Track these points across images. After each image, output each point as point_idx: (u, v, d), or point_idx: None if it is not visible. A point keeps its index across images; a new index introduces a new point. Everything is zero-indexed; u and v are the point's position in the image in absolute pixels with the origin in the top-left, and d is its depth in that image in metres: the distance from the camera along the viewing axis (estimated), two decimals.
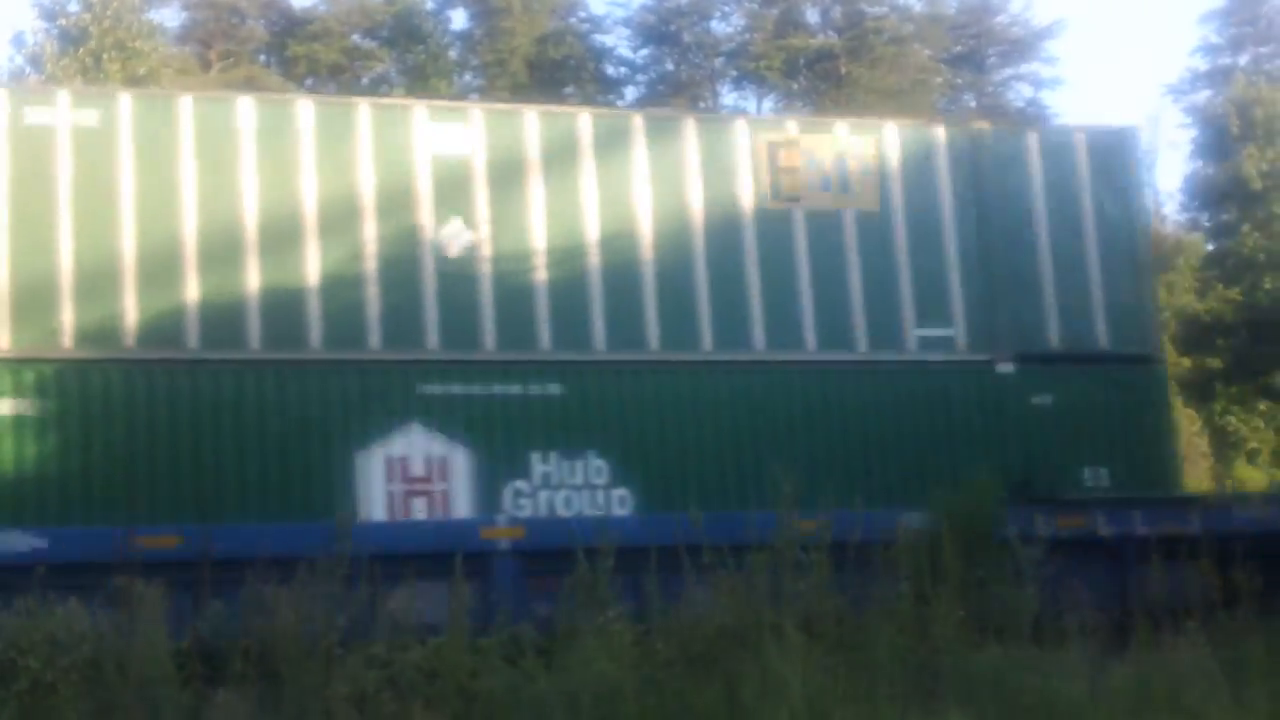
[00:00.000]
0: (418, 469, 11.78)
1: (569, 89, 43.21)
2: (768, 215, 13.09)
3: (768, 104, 44.72)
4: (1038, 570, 9.86)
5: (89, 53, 28.97)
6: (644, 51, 45.25)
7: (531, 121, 12.77)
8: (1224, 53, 43.23)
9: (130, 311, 11.41)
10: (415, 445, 11.80)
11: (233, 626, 8.51)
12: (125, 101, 11.84)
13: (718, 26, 45.28)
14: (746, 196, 13.09)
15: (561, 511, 11.94)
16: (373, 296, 12.00)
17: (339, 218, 12.07)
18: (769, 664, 7.92)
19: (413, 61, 40.84)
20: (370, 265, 12.05)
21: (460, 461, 11.86)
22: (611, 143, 12.95)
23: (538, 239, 12.53)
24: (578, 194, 12.70)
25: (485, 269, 12.30)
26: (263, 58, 43.64)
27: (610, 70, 45.16)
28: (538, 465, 12.04)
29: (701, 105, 44.09)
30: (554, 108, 13.42)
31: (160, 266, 11.53)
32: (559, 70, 42.68)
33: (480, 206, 12.40)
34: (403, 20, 41.71)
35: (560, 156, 12.71)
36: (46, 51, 29.24)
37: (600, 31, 45.18)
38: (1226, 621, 9.49)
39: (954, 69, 44.22)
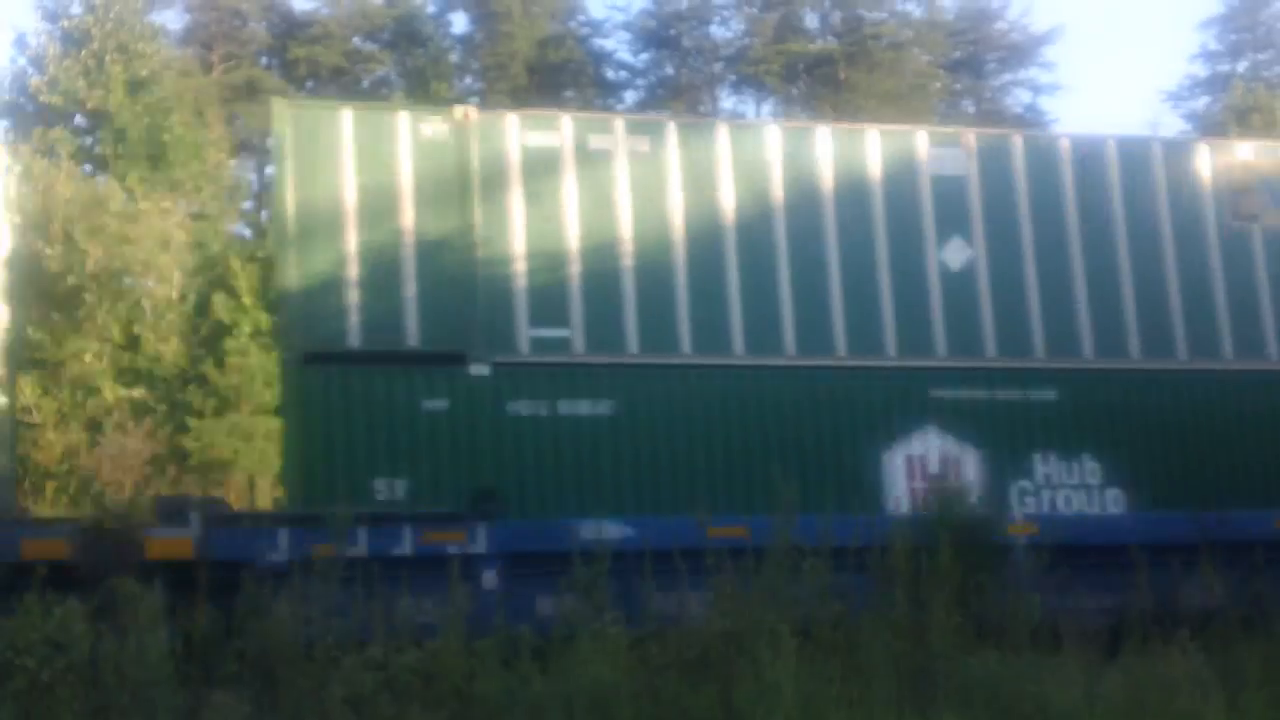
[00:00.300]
0: (934, 467, 12.80)
1: (569, 93, 43.25)
2: (1228, 234, 14.11)
3: (767, 108, 44.82)
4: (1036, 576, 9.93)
5: (91, 55, 29.05)
6: (644, 55, 45.31)
7: (1017, 146, 13.87)
8: (1222, 59, 43.31)
9: (683, 319, 12.63)
10: (931, 445, 12.85)
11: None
12: (671, 129, 13.07)
13: (717, 31, 45.37)
14: (1210, 216, 14.11)
15: (1062, 510, 12.92)
16: (887, 309, 13.10)
17: (856, 237, 13.19)
18: (763, 668, 7.95)
19: (413, 65, 40.91)
20: (885, 280, 13.16)
21: (971, 461, 12.88)
22: (1085, 169, 13.91)
23: (1028, 255, 13.52)
24: (1062, 216, 13.69)
25: (983, 282, 13.32)
26: (264, 60, 43.68)
27: (610, 74, 45.20)
28: (1039, 466, 12.99)
29: (701, 110, 44.13)
30: (1036, 134, 14.94)
31: (707, 279, 12.77)
32: (559, 74, 42.72)
33: (976, 224, 13.46)
34: (403, 24, 41.78)
35: (1044, 180, 13.75)
36: (49, 53, 29.33)
37: (600, 35, 45.25)
38: (1221, 629, 9.51)
39: (953, 74, 44.21)
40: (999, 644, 9.05)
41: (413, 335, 11.96)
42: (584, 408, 12.13)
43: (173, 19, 40.89)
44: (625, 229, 12.61)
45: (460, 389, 11.81)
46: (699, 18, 44.46)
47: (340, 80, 41.73)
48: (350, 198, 12.01)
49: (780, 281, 12.87)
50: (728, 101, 45.18)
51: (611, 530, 11.00)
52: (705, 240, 12.78)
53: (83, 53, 29.11)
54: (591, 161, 12.66)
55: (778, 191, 13.04)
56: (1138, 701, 8.31)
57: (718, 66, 44.92)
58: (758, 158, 13.05)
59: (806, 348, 12.79)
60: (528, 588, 10.83)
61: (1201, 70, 43.51)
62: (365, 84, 41.78)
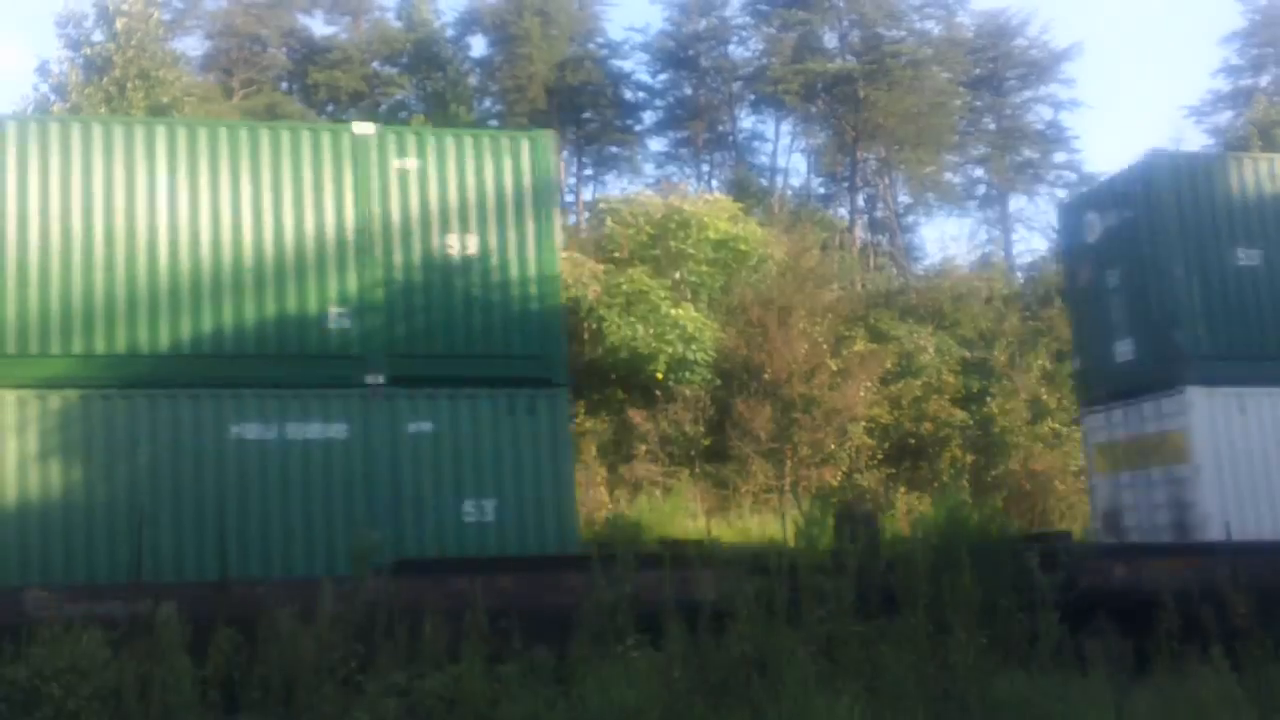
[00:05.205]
0: None
1: (588, 114, 43.37)
2: None
3: (786, 128, 44.81)
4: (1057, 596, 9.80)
5: (113, 82, 29.20)
6: (662, 76, 45.49)
7: None
8: (1245, 74, 43.18)
9: None
10: None
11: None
12: None
13: (735, 51, 45.51)
14: None
15: None
16: None
17: None
18: (791, 691, 7.87)
19: (432, 88, 41.08)
20: None
21: None
22: None
23: None
24: None
25: None
26: (284, 85, 43.95)
27: (629, 95, 45.36)
28: None
29: (720, 129, 44.15)
30: None
31: None
32: (577, 95, 42.87)
33: None
34: (422, 47, 41.98)
35: None
36: (71, 80, 29.50)
37: (619, 57, 45.46)
38: (1254, 648, 9.38)
39: (973, 91, 44.19)
40: (1025, 664, 8.94)
41: None
42: None
43: (194, 45, 41.36)
44: None
45: None
46: (717, 38, 44.59)
47: (359, 104, 41.95)
48: None
49: None
50: (746, 121, 45.31)
51: None
52: None
53: (105, 80, 29.26)
54: None
55: None
56: None
57: (736, 86, 45.01)
58: None
59: None
60: None
61: (1224, 85, 43.43)
62: (384, 107, 41.98)
